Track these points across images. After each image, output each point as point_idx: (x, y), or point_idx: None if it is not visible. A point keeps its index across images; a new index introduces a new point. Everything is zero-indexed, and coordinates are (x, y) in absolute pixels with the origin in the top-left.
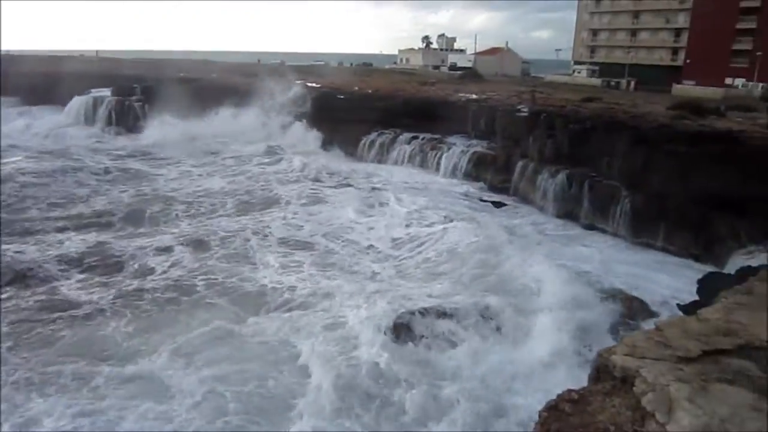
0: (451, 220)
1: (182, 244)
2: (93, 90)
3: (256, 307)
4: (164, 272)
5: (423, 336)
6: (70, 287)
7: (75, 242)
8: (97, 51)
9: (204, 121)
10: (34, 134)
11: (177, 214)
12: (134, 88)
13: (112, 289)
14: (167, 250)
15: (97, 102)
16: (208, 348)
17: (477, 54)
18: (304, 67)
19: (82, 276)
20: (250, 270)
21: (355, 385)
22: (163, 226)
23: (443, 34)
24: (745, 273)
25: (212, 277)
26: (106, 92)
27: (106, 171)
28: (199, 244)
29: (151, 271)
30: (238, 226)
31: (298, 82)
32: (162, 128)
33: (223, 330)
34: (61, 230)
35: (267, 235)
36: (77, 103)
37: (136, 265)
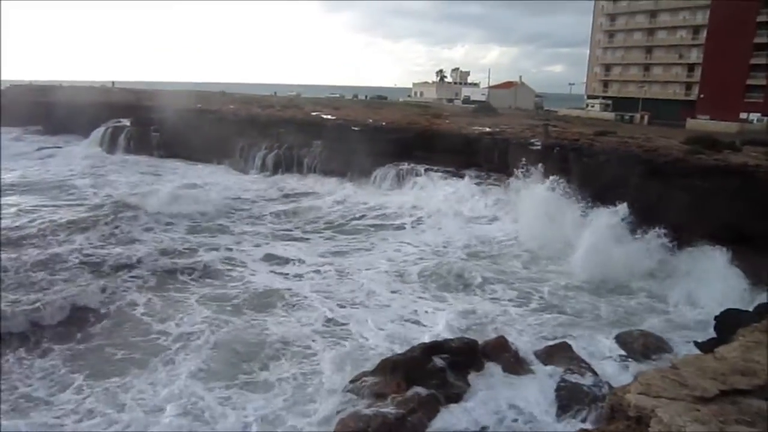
0: None
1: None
2: (113, 120)
3: None
4: None
5: None
6: None
7: None
8: (113, 82)
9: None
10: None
11: None
12: (152, 119)
13: None
14: None
15: (116, 132)
16: None
17: (490, 88)
18: (319, 99)
19: None
20: None
21: None
22: None
23: (457, 68)
24: (764, 310)
25: None
26: (125, 122)
27: None
28: None
29: None
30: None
31: (314, 113)
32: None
33: None
34: None
35: None
36: (99, 133)
37: None
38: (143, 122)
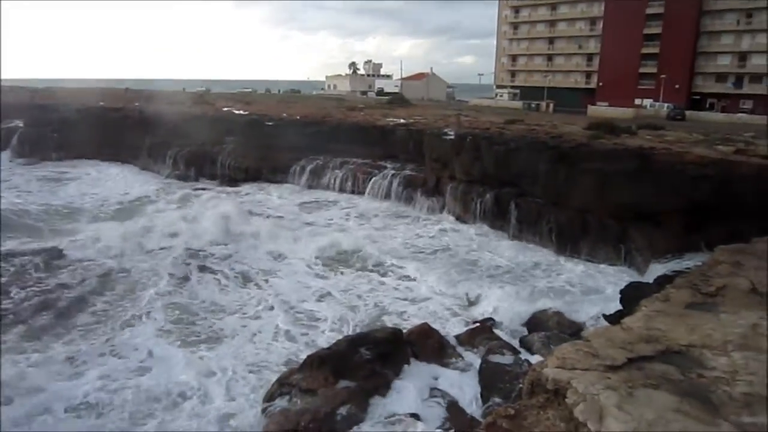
0: None
1: None
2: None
3: None
4: None
5: None
6: None
7: None
8: None
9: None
10: None
11: None
12: (49, 119)
13: None
14: None
15: (8, 134)
16: None
17: (403, 79)
18: (231, 94)
19: None
20: None
21: None
22: None
23: (370, 60)
24: (663, 281)
25: None
26: (18, 123)
27: None
28: None
29: None
30: None
31: (225, 109)
32: None
33: None
34: None
35: None
36: None
37: None
38: (39, 122)
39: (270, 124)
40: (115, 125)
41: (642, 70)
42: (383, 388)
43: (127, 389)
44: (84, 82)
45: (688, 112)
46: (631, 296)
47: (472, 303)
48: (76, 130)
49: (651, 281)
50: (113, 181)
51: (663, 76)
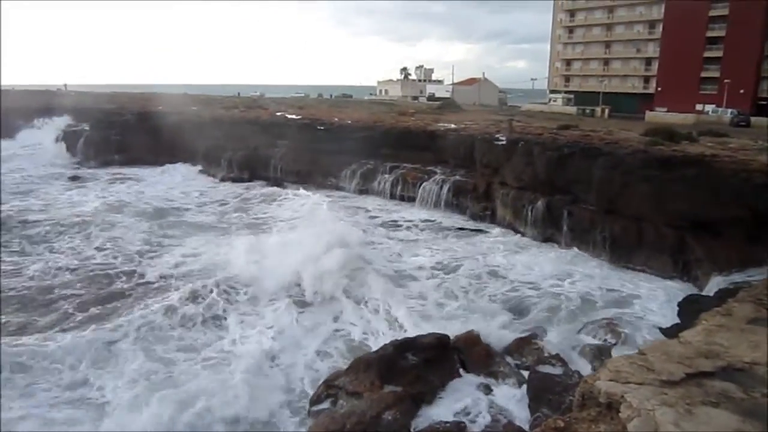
0: None
1: None
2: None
3: None
4: None
5: None
6: None
7: None
8: (65, 84)
9: None
10: None
11: None
12: (113, 123)
13: None
14: None
15: (75, 136)
16: None
17: (455, 84)
18: (284, 99)
19: None
20: None
21: None
22: None
23: (421, 66)
24: (724, 294)
25: None
26: (84, 126)
27: None
28: None
29: None
30: None
31: (279, 113)
32: None
33: None
34: None
35: None
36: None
37: None
38: (103, 126)
39: (322, 128)
40: (174, 129)
41: (704, 74)
42: (429, 394)
43: None
44: (144, 87)
45: (753, 119)
46: (689, 310)
47: None
48: (137, 134)
49: (710, 294)
50: (172, 184)
51: (726, 80)
